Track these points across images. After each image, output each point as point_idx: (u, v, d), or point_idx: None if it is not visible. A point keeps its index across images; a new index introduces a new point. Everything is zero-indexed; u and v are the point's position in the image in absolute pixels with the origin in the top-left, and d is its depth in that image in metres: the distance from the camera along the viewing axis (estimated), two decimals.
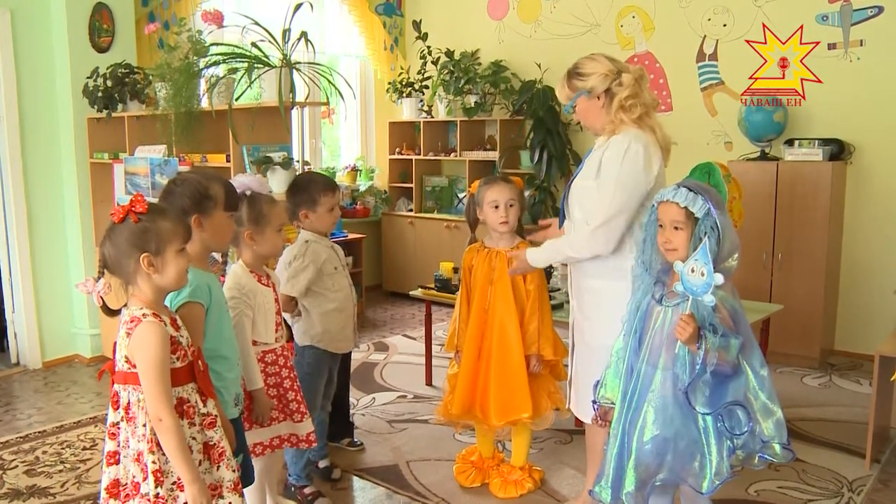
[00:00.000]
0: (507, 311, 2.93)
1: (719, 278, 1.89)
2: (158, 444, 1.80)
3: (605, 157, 2.52)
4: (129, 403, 1.84)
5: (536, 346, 2.93)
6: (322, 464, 3.20)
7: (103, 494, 1.88)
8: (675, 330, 1.98)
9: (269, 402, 2.51)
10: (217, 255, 2.68)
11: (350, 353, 3.51)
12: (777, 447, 2.07)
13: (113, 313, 1.89)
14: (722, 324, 1.99)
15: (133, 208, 1.82)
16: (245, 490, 2.33)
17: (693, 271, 1.93)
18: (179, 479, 1.82)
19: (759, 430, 2.05)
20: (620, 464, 2.14)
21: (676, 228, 2.07)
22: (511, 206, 2.93)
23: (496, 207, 2.94)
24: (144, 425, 1.82)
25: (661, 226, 2.12)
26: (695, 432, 2.05)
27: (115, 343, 1.90)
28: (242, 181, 2.49)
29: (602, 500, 2.18)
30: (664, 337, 2.08)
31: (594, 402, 2.34)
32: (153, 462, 1.80)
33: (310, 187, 2.94)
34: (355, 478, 3.25)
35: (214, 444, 1.92)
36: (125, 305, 1.88)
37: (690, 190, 2.05)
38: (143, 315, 1.81)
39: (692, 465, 2.05)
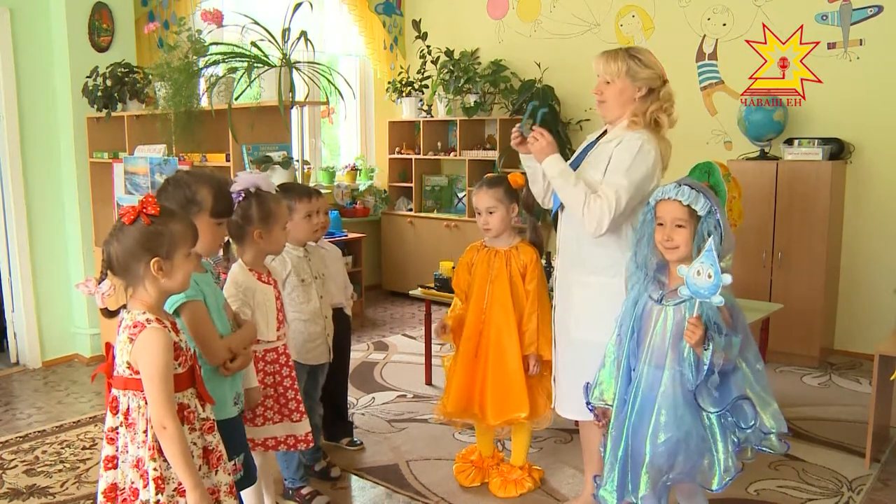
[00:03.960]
0: (503, 311, 2.93)
1: (727, 279, 1.90)
2: (160, 451, 1.79)
3: (618, 150, 2.51)
4: (128, 409, 1.83)
5: (535, 346, 2.92)
6: (318, 466, 3.19)
7: (100, 498, 1.87)
8: (685, 334, 1.99)
9: (259, 395, 2.49)
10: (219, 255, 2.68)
11: (347, 357, 3.51)
12: (773, 438, 2.09)
13: (112, 314, 1.88)
14: (723, 323, 2.00)
15: (144, 210, 1.79)
16: (243, 491, 2.33)
17: (699, 273, 1.93)
18: (180, 485, 1.81)
19: (760, 422, 2.06)
20: (625, 467, 2.13)
21: (679, 226, 2.08)
22: (491, 212, 2.94)
23: (479, 213, 2.98)
24: (145, 432, 1.80)
25: (660, 224, 2.12)
26: (702, 430, 2.06)
27: (108, 344, 1.89)
28: (250, 179, 2.48)
29: None
30: (667, 337, 2.08)
31: (588, 403, 2.33)
32: (154, 469, 1.79)
33: (286, 195, 2.86)
34: (355, 477, 3.24)
35: (213, 448, 1.92)
36: (123, 307, 1.87)
37: (692, 188, 2.06)
38: (147, 320, 1.79)
39: (702, 463, 2.06)
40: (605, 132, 2.68)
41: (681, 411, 2.05)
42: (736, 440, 2.05)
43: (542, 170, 2.61)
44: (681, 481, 2.13)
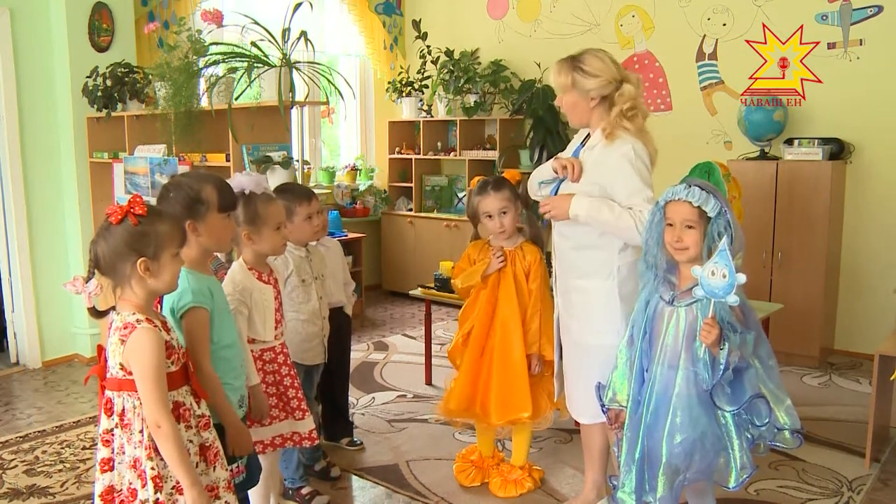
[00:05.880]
0: (510, 311, 2.94)
1: (742, 278, 1.90)
2: (156, 450, 1.79)
3: (618, 165, 2.48)
4: (123, 410, 1.83)
5: (537, 346, 2.93)
6: (318, 466, 3.20)
7: (98, 501, 1.87)
8: (701, 334, 2.00)
9: (266, 398, 2.50)
10: (221, 256, 2.67)
11: (348, 356, 3.51)
12: (787, 434, 2.10)
13: (100, 315, 1.87)
14: (736, 321, 2.01)
15: (132, 210, 1.79)
16: (248, 491, 2.33)
17: (713, 274, 1.94)
18: (178, 483, 1.81)
19: (773, 418, 2.07)
20: (643, 469, 2.14)
21: (689, 227, 2.08)
22: (504, 213, 2.94)
23: (490, 217, 2.96)
24: (141, 431, 1.80)
25: (670, 224, 2.12)
26: (718, 429, 2.07)
27: (100, 346, 1.89)
28: (239, 181, 2.47)
29: None
30: (680, 338, 2.09)
31: (602, 405, 2.34)
32: (152, 468, 1.79)
33: (285, 197, 2.85)
34: (355, 477, 3.25)
35: (209, 445, 1.92)
36: (113, 307, 1.86)
37: (702, 189, 2.06)
38: (137, 321, 1.79)
39: (718, 461, 2.07)
40: (587, 136, 2.66)
41: (696, 412, 2.06)
42: (750, 437, 2.07)
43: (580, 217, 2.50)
44: (697, 480, 2.14)
